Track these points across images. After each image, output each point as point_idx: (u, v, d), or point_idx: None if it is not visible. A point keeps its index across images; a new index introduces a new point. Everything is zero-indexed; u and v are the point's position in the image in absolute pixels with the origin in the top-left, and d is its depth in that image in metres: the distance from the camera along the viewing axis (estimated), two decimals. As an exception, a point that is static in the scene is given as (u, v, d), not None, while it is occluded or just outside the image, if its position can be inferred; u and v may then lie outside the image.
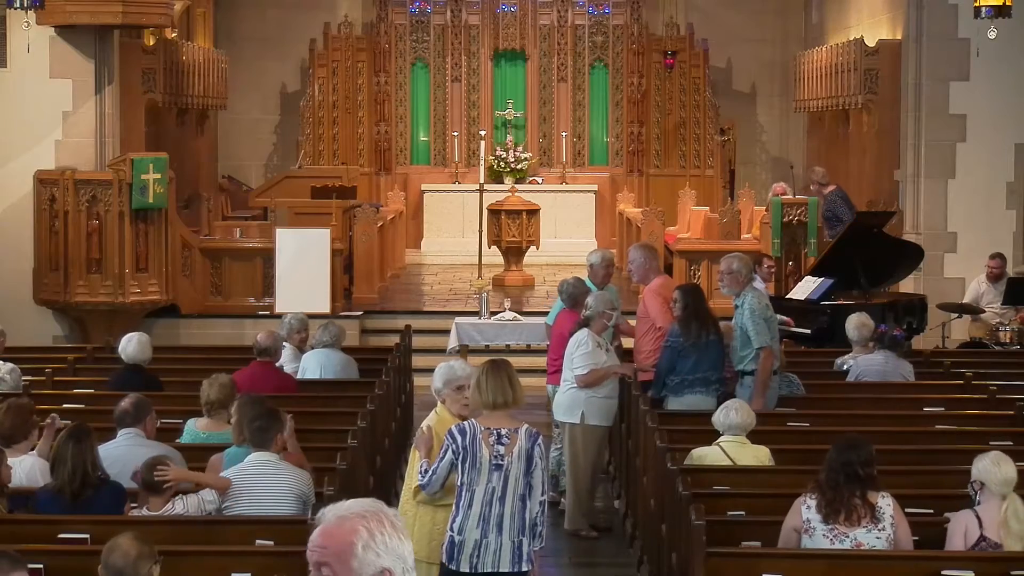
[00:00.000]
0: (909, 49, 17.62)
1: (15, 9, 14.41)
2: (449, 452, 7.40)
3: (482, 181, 20.40)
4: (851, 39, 19.59)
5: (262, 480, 7.72)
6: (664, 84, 24.05)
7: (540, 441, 7.48)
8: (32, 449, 8.38)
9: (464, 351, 14.97)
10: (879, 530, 7.15)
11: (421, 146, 24.31)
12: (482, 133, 22.36)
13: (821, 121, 21.99)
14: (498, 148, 23.81)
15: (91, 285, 16.15)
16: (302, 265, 16.88)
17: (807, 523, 7.22)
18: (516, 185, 21.70)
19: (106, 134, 16.49)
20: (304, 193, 19.31)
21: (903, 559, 7.14)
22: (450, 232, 23.20)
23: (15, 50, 16.01)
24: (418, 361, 14.95)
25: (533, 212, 20.19)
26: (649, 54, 24.01)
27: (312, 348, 11.90)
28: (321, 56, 23.75)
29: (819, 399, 11.10)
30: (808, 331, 14.13)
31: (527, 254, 20.35)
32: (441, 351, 15.22)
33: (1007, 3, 15.16)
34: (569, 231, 23.02)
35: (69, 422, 8.34)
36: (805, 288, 14.56)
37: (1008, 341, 14.60)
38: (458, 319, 15.71)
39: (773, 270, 15.66)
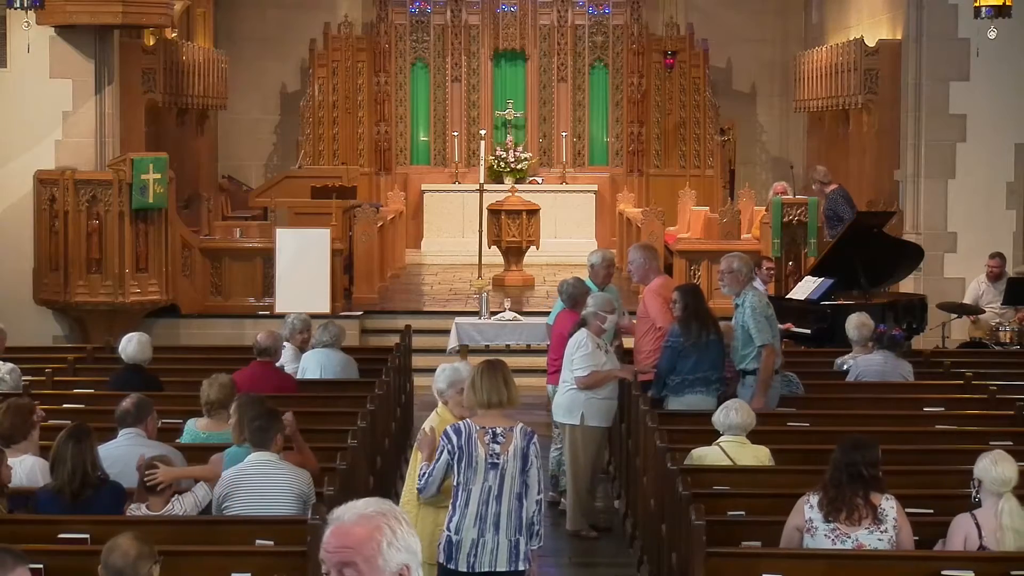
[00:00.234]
0: (909, 49, 17.62)
1: (15, 9, 14.41)
2: (445, 452, 7.42)
3: (482, 181, 20.40)
4: (851, 39, 19.59)
5: (262, 480, 7.72)
6: (664, 84, 24.05)
7: (535, 440, 7.49)
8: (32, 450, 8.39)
9: (464, 351, 14.96)
10: (881, 532, 7.15)
11: (421, 146, 24.31)
12: (482, 133, 22.35)
13: (821, 121, 21.99)
14: (498, 148, 23.81)
15: (91, 285, 16.15)
16: (302, 265, 16.88)
17: (809, 522, 7.22)
18: (516, 185, 21.70)
19: (106, 134, 16.50)
20: (304, 193, 19.31)
21: (903, 559, 7.14)
22: (450, 232, 23.20)
23: (15, 50, 16.02)
24: (418, 361, 14.95)
25: (533, 212, 20.19)
26: (649, 54, 24.01)
27: (312, 348, 11.89)
28: (321, 56, 23.75)
29: (819, 399, 11.10)
30: (808, 331, 14.13)
31: (527, 254, 20.35)
32: (441, 351, 15.23)
33: (1007, 3, 15.16)
34: (569, 231, 23.02)
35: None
36: (805, 288, 14.55)
37: (1008, 341, 14.60)
38: (458, 319, 15.71)
39: (773, 272, 15.66)
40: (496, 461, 7.35)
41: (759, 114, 25.36)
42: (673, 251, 18.70)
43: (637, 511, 10.50)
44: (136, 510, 7.60)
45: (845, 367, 11.84)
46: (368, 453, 10.05)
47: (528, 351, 16.18)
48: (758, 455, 8.84)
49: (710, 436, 8.96)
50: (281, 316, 15.89)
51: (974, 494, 7.32)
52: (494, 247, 20.08)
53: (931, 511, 7.80)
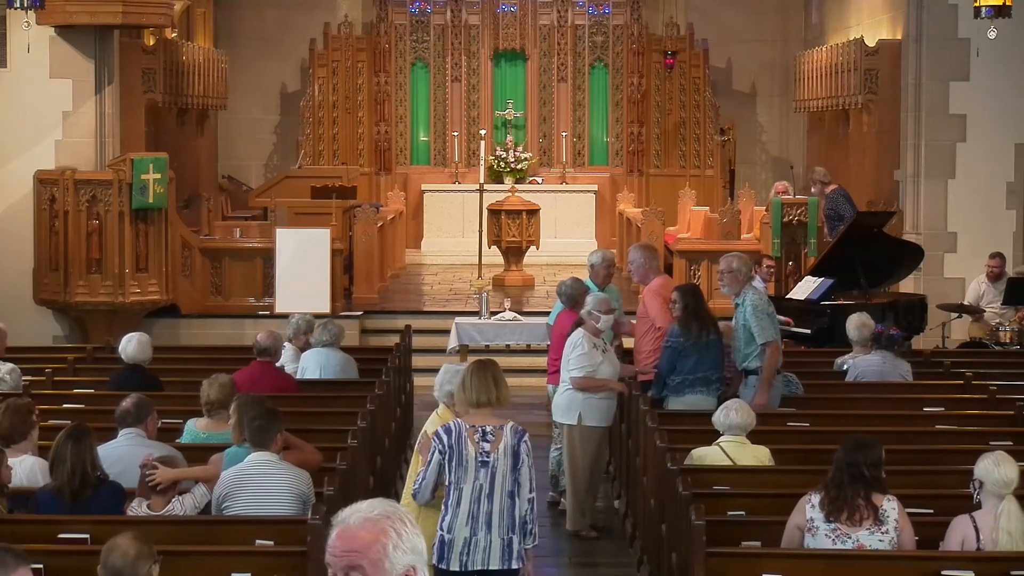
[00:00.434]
0: (909, 49, 17.62)
1: (15, 9, 14.42)
2: (436, 453, 7.46)
3: (482, 181, 20.41)
4: (851, 39, 19.59)
5: (262, 480, 7.72)
6: (664, 84, 24.05)
7: (526, 438, 7.51)
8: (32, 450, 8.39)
9: (464, 351, 14.97)
10: (882, 532, 7.15)
11: (421, 146, 24.31)
12: (482, 133, 22.36)
13: (821, 121, 21.99)
14: (498, 148, 23.81)
15: (91, 285, 16.15)
16: (302, 265, 16.87)
17: (810, 521, 7.22)
18: (516, 185, 21.70)
19: (106, 134, 16.50)
20: (304, 193, 19.31)
21: (903, 559, 7.14)
22: (450, 232, 23.21)
23: (15, 50, 16.02)
24: (418, 361, 14.95)
25: (533, 212, 20.19)
26: (649, 54, 24.01)
27: (311, 347, 11.88)
28: (321, 56, 23.75)
29: (819, 399, 11.09)
30: (808, 331, 14.13)
31: (527, 254, 20.35)
32: (441, 351, 15.24)
33: (1007, 3, 15.16)
34: (569, 231, 23.02)
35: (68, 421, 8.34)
36: (805, 288, 14.56)
37: (1008, 341, 14.59)
38: (458, 319, 15.71)
39: (773, 271, 15.66)
40: (486, 459, 7.37)
41: (759, 114, 25.36)
42: (673, 251, 18.70)
43: (637, 511, 10.50)
44: (138, 507, 7.59)
45: (845, 367, 11.84)
46: (368, 453, 10.05)
47: (528, 351, 16.19)
48: (758, 455, 8.84)
49: (710, 436, 8.96)
50: (281, 316, 15.94)
51: (975, 495, 7.31)
52: (494, 247, 20.08)
53: (931, 511, 7.80)
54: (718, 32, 24.35)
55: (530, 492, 7.47)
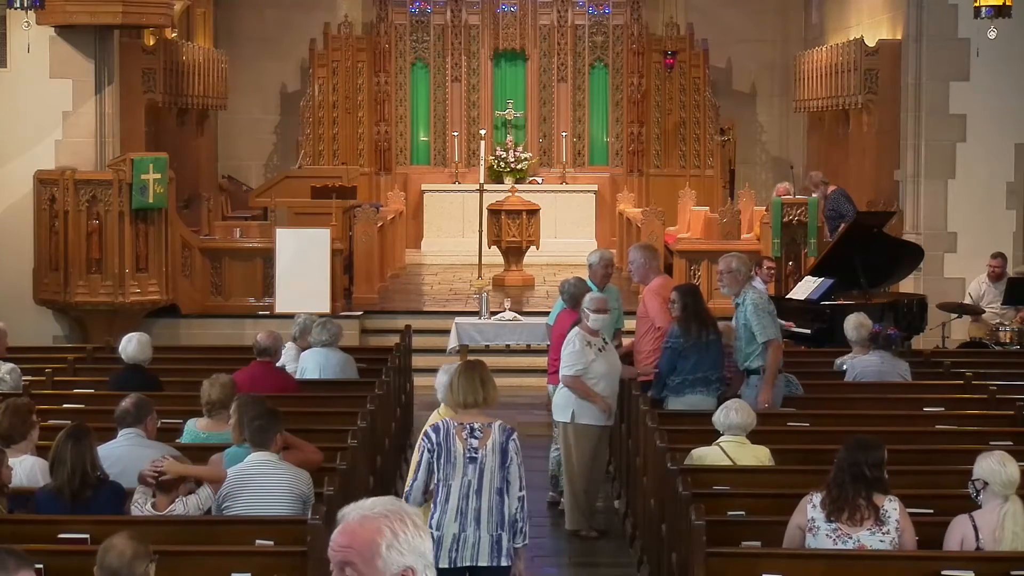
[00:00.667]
0: (909, 49, 17.62)
1: (15, 9, 14.42)
2: (425, 452, 7.52)
3: (482, 181, 20.41)
4: (851, 39, 19.59)
5: (262, 480, 7.72)
6: (664, 84, 24.05)
7: (515, 436, 7.55)
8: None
9: (464, 351, 14.96)
10: (883, 533, 7.15)
11: (421, 146, 24.31)
12: (482, 133, 22.36)
13: (821, 121, 21.99)
14: (498, 148, 23.81)
15: (91, 285, 16.15)
16: (302, 265, 16.87)
17: (811, 521, 7.22)
18: (516, 185, 21.70)
19: (106, 134, 16.50)
20: (304, 193, 19.31)
21: (903, 559, 7.14)
22: (450, 232, 23.21)
23: (15, 50, 16.02)
24: (418, 361, 14.95)
25: (533, 212, 20.19)
26: (649, 54, 24.01)
27: (311, 347, 11.87)
28: (321, 56, 23.75)
29: (819, 399, 11.09)
30: (808, 331, 14.13)
31: (527, 254, 20.35)
32: (441, 351, 15.24)
33: (1007, 3, 15.16)
34: (569, 231, 23.02)
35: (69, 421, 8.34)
36: (805, 288, 14.56)
37: (1008, 341, 14.59)
38: (458, 319, 15.71)
39: (773, 272, 15.65)
40: (474, 455, 7.43)
41: (759, 114, 25.36)
42: (673, 251, 18.70)
43: (637, 511, 10.50)
44: (142, 504, 7.58)
45: (844, 367, 11.84)
46: (368, 453, 10.05)
47: (528, 351, 16.19)
48: (758, 455, 8.84)
49: (710, 436, 8.96)
50: (281, 316, 15.97)
51: (975, 495, 7.30)
52: (494, 247, 20.08)
53: (931, 511, 7.80)
54: (718, 32, 24.35)
55: (520, 490, 7.50)
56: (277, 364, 11.29)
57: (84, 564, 6.47)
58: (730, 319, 10.89)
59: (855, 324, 11.83)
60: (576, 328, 10.73)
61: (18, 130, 16.27)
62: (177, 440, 9.03)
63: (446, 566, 7.39)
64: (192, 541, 7.29)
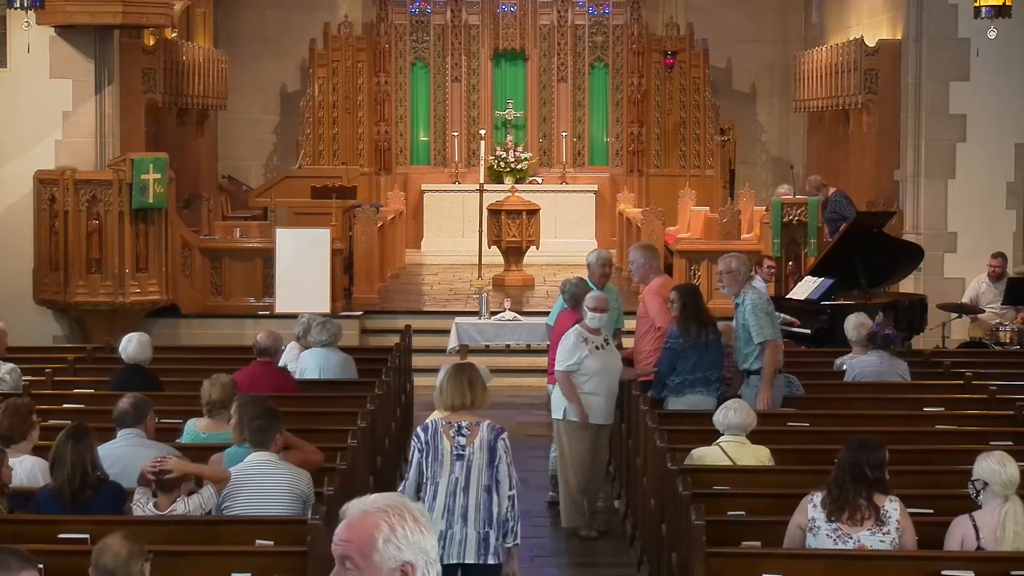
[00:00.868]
0: (909, 49, 17.62)
1: (15, 9, 14.41)
2: (415, 452, 7.58)
3: (482, 181, 20.41)
4: (851, 39, 19.59)
5: (262, 480, 7.72)
6: (664, 84, 24.05)
7: (504, 435, 7.57)
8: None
9: (464, 351, 14.97)
10: (883, 533, 7.15)
11: (421, 146, 24.31)
12: (482, 133, 22.36)
13: (821, 121, 21.99)
14: (498, 148, 23.81)
15: (91, 285, 16.15)
16: (302, 265, 16.87)
17: (812, 521, 7.22)
18: (516, 185, 21.70)
19: (106, 134, 16.49)
20: (304, 193, 19.31)
21: (903, 559, 7.14)
22: (450, 232, 23.21)
23: (15, 50, 16.01)
24: (418, 361, 14.95)
25: (533, 212, 20.20)
26: (649, 54, 24.01)
27: (310, 347, 11.86)
28: (321, 56, 23.75)
29: (819, 399, 11.09)
30: (808, 331, 14.13)
31: (527, 254, 20.35)
32: (441, 351, 15.23)
33: (1007, 3, 15.16)
34: (569, 231, 23.02)
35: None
36: (805, 288, 14.56)
37: (1008, 341, 14.59)
38: (458, 319, 15.71)
39: (773, 271, 15.66)
40: (462, 452, 7.47)
41: (759, 114, 25.36)
42: (673, 251, 18.70)
43: (637, 511, 10.50)
44: (144, 503, 7.58)
45: (843, 368, 11.84)
46: (368, 453, 10.05)
47: (528, 351, 16.18)
48: (758, 455, 8.84)
49: (710, 436, 8.96)
50: (281, 316, 15.97)
51: (975, 495, 7.30)
52: (494, 247, 20.08)
53: (931, 511, 7.80)
54: (718, 32, 24.35)
55: (510, 489, 7.51)
56: (279, 363, 11.30)
57: (84, 564, 6.46)
58: (730, 319, 10.89)
59: (855, 324, 11.83)
60: (576, 325, 10.74)
61: (18, 130, 16.27)
62: (177, 440, 9.03)
63: None
64: (192, 541, 7.29)
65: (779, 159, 25.19)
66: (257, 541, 7.31)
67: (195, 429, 9.12)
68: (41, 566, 6.60)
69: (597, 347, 10.66)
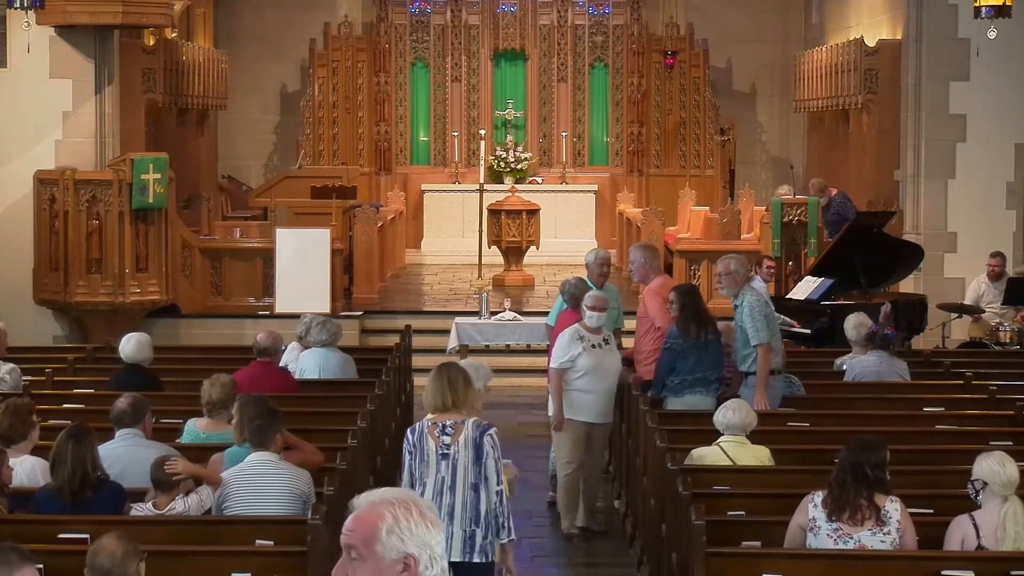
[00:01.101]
0: (909, 49, 17.62)
1: (15, 9, 14.41)
2: (406, 453, 7.61)
3: (482, 181, 20.41)
4: (851, 39, 19.59)
5: (262, 480, 7.72)
6: (664, 84, 24.05)
7: (491, 432, 7.54)
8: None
9: (464, 351, 14.96)
10: (884, 533, 7.15)
11: (421, 146, 24.31)
12: (482, 133, 22.36)
13: (821, 121, 21.99)
14: (498, 148, 23.81)
15: (91, 285, 16.14)
16: (302, 265, 16.87)
17: (812, 521, 7.22)
18: (516, 185, 21.70)
19: (106, 134, 16.49)
20: (304, 193, 19.31)
21: (903, 559, 7.14)
22: (450, 232, 23.20)
23: (15, 50, 16.01)
24: (418, 361, 14.94)
25: (533, 212, 20.20)
26: (649, 54, 24.01)
27: (310, 347, 11.85)
28: (321, 56, 23.75)
29: (819, 399, 11.09)
30: (808, 331, 14.13)
31: (527, 254, 20.35)
32: (441, 351, 15.21)
33: (1007, 3, 15.16)
34: (569, 231, 23.01)
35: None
36: (805, 288, 14.56)
37: (1008, 341, 14.59)
38: (458, 319, 15.70)
39: (773, 271, 15.66)
40: (447, 452, 7.48)
41: (759, 114, 25.36)
42: (673, 251, 18.70)
43: (637, 511, 10.50)
44: (144, 503, 7.58)
45: (843, 368, 11.84)
46: (368, 453, 10.05)
47: (528, 351, 16.18)
48: (758, 455, 8.84)
49: (710, 436, 8.96)
50: (281, 316, 15.98)
51: (974, 495, 7.30)
52: (494, 247, 20.08)
53: (931, 511, 7.80)
54: (718, 32, 24.35)
55: (497, 485, 7.51)
56: (280, 363, 11.29)
57: (84, 564, 6.47)
58: (731, 319, 10.89)
59: (855, 324, 11.82)
60: (576, 324, 10.75)
61: (18, 130, 16.26)
62: (177, 440, 9.03)
63: None
64: (192, 541, 7.29)
65: (779, 159, 25.19)
66: (257, 541, 7.31)
67: (195, 429, 9.12)
68: (41, 566, 6.61)
69: (594, 345, 10.65)
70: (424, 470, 7.49)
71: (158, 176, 16.05)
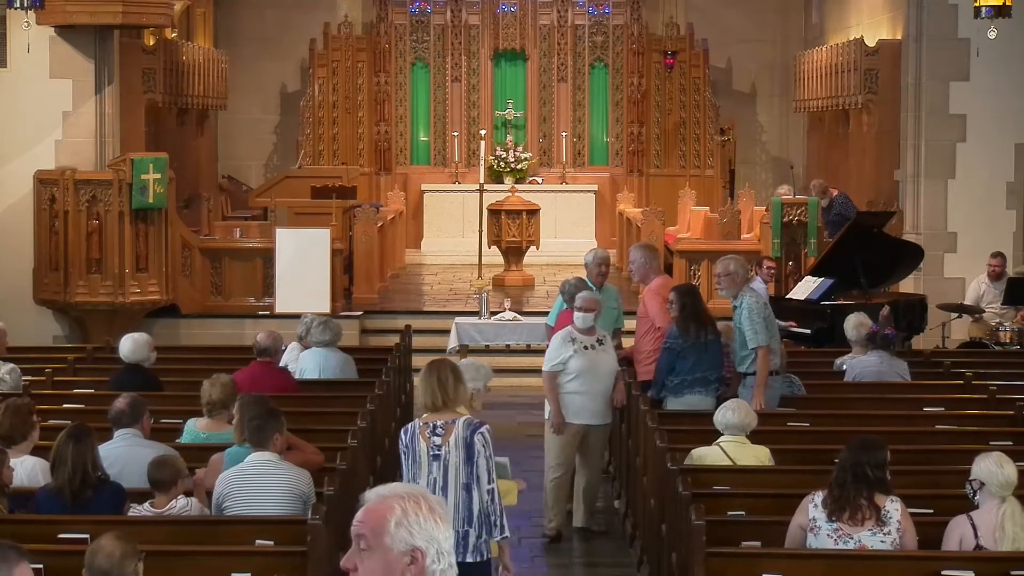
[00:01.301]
0: (909, 49, 17.62)
1: (15, 9, 14.41)
2: (401, 455, 7.59)
3: (482, 181, 20.41)
4: (851, 39, 19.59)
5: (262, 480, 7.72)
6: (664, 84, 24.05)
7: (483, 430, 7.46)
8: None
9: (464, 351, 14.96)
10: (884, 534, 7.15)
11: (421, 146, 24.31)
12: (482, 133, 22.36)
13: (821, 121, 21.99)
14: (498, 148, 23.81)
15: (91, 285, 16.14)
16: (302, 265, 16.88)
17: (812, 521, 7.22)
18: (516, 185, 21.70)
19: (106, 134, 16.50)
20: (304, 193, 19.31)
21: (902, 559, 7.14)
22: (450, 232, 23.20)
23: (15, 50, 16.01)
24: (418, 361, 14.89)
25: (533, 212, 20.20)
26: (649, 54, 24.00)
27: (311, 347, 11.85)
28: (321, 56, 23.75)
29: (819, 399, 11.09)
30: (808, 331, 14.13)
31: (527, 254, 20.35)
32: (441, 351, 15.20)
33: (1007, 3, 15.16)
34: (569, 231, 23.01)
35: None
36: (805, 288, 14.56)
37: (1008, 341, 14.59)
38: (458, 319, 15.71)
39: (773, 271, 15.65)
40: (437, 452, 7.44)
41: (759, 114, 25.36)
42: (673, 251, 18.70)
43: (637, 511, 10.50)
44: (137, 508, 7.59)
45: (843, 368, 11.84)
46: (368, 453, 10.05)
47: (528, 351, 16.18)
48: (758, 455, 8.84)
49: (710, 436, 8.96)
50: (281, 316, 15.98)
51: (972, 495, 7.30)
52: (494, 247, 20.08)
53: (931, 511, 7.80)
54: (718, 32, 24.34)
55: (489, 483, 7.47)
56: (280, 363, 11.29)
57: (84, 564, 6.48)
58: (730, 319, 10.89)
59: (855, 324, 11.83)
60: (569, 327, 10.76)
61: (18, 130, 16.27)
62: (177, 440, 9.03)
63: None
64: (192, 541, 7.29)
65: (779, 159, 25.19)
66: (257, 541, 7.31)
67: (195, 429, 9.12)
68: (41, 566, 6.62)
69: (587, 347, 10.63)
70: (416, 471, 7.46)
71: (158, 176, 16.05)
